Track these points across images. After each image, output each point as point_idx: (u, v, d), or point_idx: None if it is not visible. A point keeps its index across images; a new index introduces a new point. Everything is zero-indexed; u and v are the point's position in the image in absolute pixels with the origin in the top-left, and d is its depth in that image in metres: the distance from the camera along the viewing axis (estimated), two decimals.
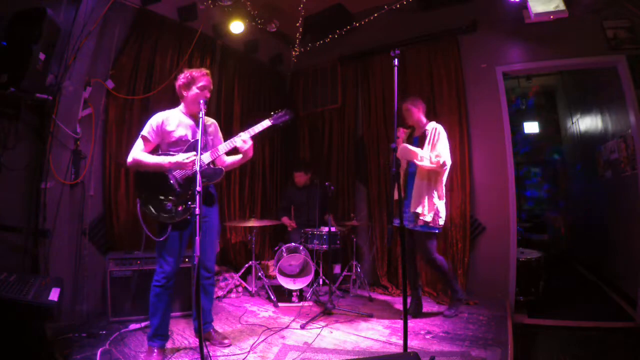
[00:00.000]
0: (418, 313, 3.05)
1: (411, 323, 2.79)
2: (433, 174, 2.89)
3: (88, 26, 2.76)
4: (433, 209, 2.85)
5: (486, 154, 3.04)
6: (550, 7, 3.04)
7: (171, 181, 2.21)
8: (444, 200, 2.95)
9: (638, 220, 3.42)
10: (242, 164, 2.54)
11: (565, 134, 6.50)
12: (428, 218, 2.84)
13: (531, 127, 7.02)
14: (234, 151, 2.39)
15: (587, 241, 5.31)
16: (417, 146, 2.96)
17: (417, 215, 2.86)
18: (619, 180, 3.94)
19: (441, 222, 2.90)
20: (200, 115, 1.99)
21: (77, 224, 2.87)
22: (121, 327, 2.58)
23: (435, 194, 2.88)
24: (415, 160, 2.86)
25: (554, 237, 6.13)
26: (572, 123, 5.85)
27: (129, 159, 2.20)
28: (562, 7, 3.01)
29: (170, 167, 2.17)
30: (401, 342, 2.00)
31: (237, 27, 3.87)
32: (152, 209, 2.18)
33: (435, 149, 2.87)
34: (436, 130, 2.93)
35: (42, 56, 2.26)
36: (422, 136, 2.98)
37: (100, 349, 2.16)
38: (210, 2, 3.63)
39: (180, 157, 2.15)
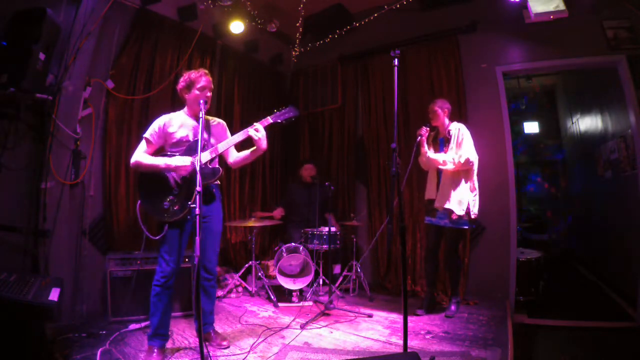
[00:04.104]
0: (431, 310, 3.09)
1: (411, 323, 2.79)
2: (461, 172, 2.93)
3: (88, 26, 2.76)
4: (462, 204, 2.88)
5: (486, 154, 3.07)
6: (550, 7, 3.04)
7: (170, 181, 2.23)
8: (476, 196, 2.97)
9: (638, 220, 3.42)
10: (255, 158, 2.41)
11: (565, 134, 6.50)
12: (459, 212, 2.86)
13: (531, 127, 7.02)
14: (243, 146, 2.37)
15: (587, 241, 5.31)
16: (443, 147, 3.05)
17: (448, 211, 2.89)
18: (619, 180, 3.94)
19: (472, 216, 2.93)
20: (200, 115, 2.01)
21: (77, 224, 2.87)
22: (121, 327, 2.58)
23: (464, 190, 2.91)
24: (440, 167, 2.96)
25: (554, 237, 6.13)
26: (572, 123, 5.85)
27: (132, 161, 2.23)
28: (562, 7, 3.01)
29: (165, 168, 2.19)
30: (401, 342, 2.00)
31: (237, 27, 3.87)
32: (150, 208, 2.22)
33: (461, 149, 2.91)
34: (460, 131, 2.98)
35: (42, 56, 2.26)
36: (447, 138, 3.04)
37: (100, 349, 2.16)
38: (210, 2, 3.62)
39: (175, 161, 2.17)
